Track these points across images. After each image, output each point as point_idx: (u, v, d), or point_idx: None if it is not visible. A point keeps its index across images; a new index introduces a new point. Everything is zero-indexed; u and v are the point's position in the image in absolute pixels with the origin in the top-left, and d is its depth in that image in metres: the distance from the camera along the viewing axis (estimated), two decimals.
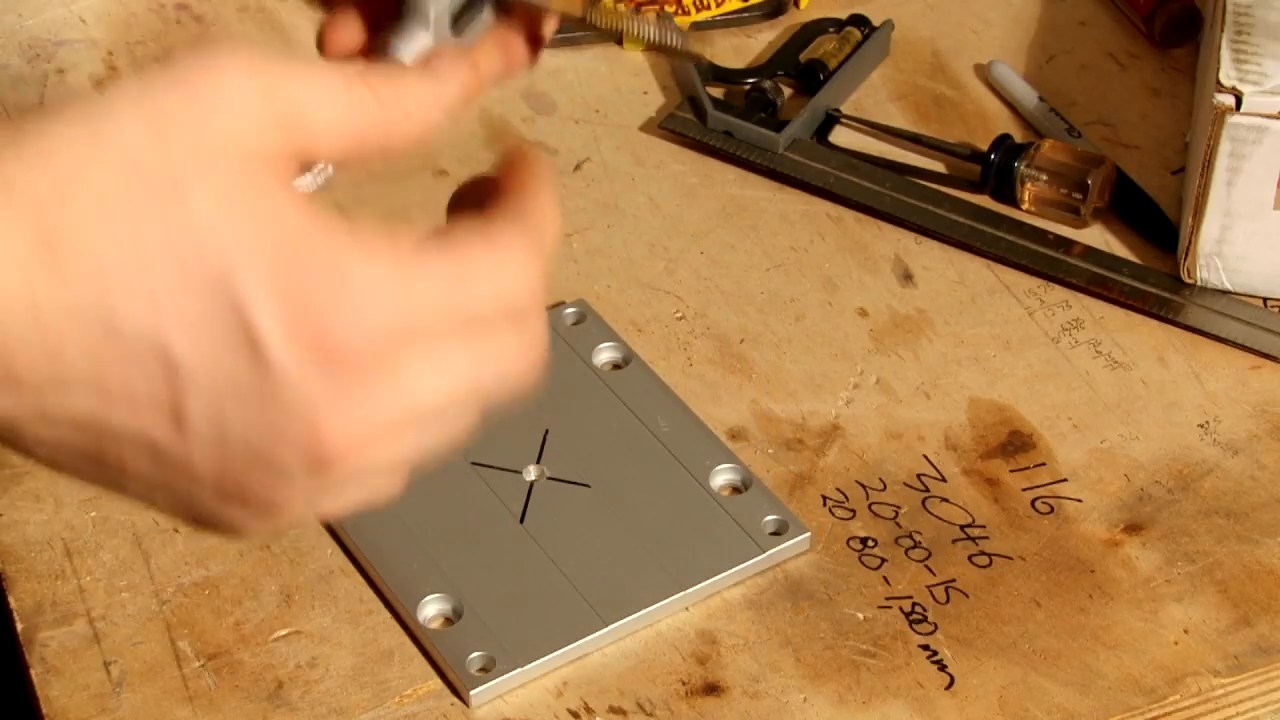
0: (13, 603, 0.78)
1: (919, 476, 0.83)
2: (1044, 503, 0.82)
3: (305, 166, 0.55)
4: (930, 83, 1.02)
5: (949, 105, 1.00)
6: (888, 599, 0.79)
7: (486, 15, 0.60)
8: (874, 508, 0.82)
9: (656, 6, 1.03)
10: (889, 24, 1.03)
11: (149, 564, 0.79)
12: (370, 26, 0.60)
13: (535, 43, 0.62)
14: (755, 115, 0.98)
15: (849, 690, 0.75)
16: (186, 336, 0.49)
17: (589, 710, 0.75)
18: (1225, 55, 0.87)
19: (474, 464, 0.82)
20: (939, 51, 1.03)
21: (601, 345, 0.87)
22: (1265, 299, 0.90)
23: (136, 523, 0.81)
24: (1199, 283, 0.90)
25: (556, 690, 0.76)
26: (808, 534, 0.80)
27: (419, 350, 0.52)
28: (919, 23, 1.05)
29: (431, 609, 0.77)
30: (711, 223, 0.94)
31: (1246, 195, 0.87)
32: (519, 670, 0.75)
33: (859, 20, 1.03)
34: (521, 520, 0.80)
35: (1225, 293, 0.90)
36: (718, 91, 1.00)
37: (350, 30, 0.60)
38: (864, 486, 0.83)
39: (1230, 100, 0.86)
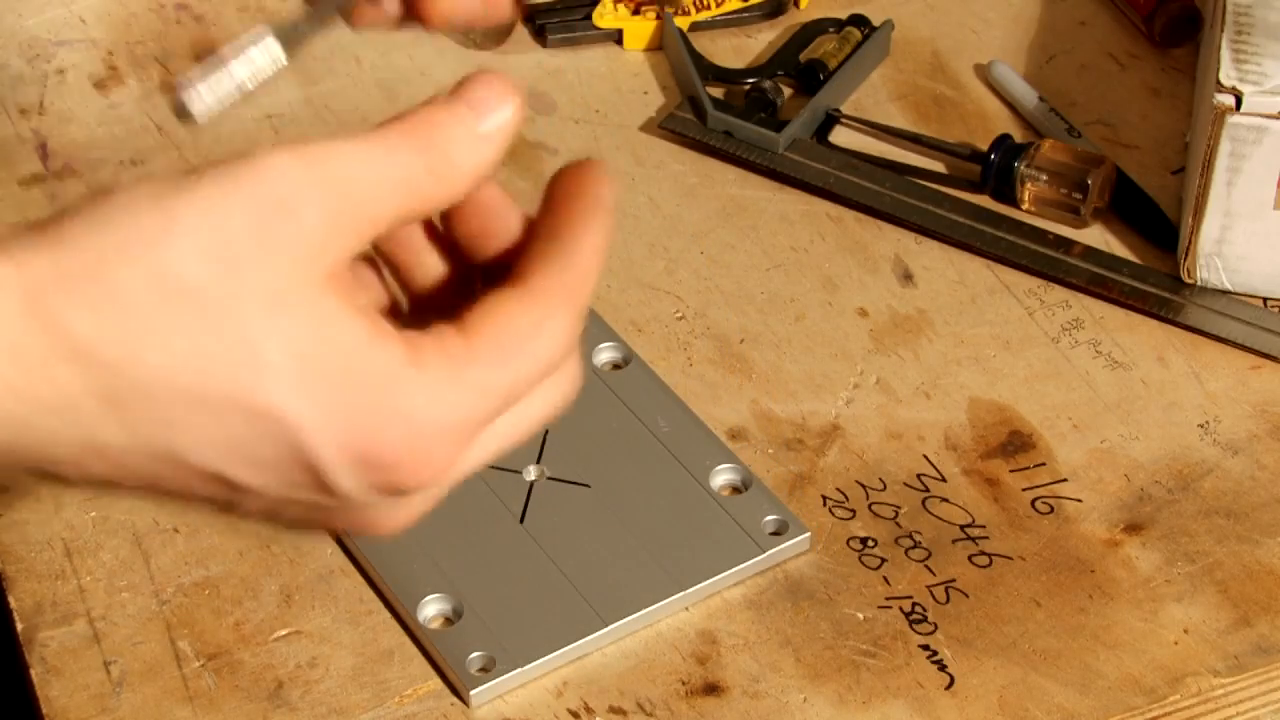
0: (13, 603, 0.78)
1: (919, 476, 0.83)
2: (1044, 503, 0.82)
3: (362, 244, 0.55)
4: (930, 83, 1.02)
5: (949, 105, 1.00)
6: (888, 599, 0.79)
7: None
8: (874, 508, 0.82)
9: (656, 6, 1.03)
10: (889, 24, 1.03)
11: (149, 564, 0.79)
12: None
13: None
14: (755, 115, 0.98)
15: (849, 690, 0.75)
16: (252, 473, 0.52)
17: (589, 710, 0.75)
18: (1225, 55, 0.87)
19: None
20: (939, 51, 1.03)
21: (601, 345, 0.87)
22: (1265, 299, 0.90)
23: (136, 523, 0.81)
24: (1199, 283, 0.90)
25: (556, 690, 0.76)
26: (808, 534, 0.80)
27: (471, 440, 0.54)
28: (919, 23, 1.05)
29: (431, 609, 0.77)
30: (711, 223, 0.94)
31: (1246, 195, 0.87)
32: (519, 670, 0.75)
33: (859, 20, 1.03)
34: (521, 520, 0.80)
35: (1225, 293, 0.90)
36: (718, 91, 1.00)
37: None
38: (864, 486, 0.83)
39: (1230, 100, 0.86)
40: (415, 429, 0.52)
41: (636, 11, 1.03)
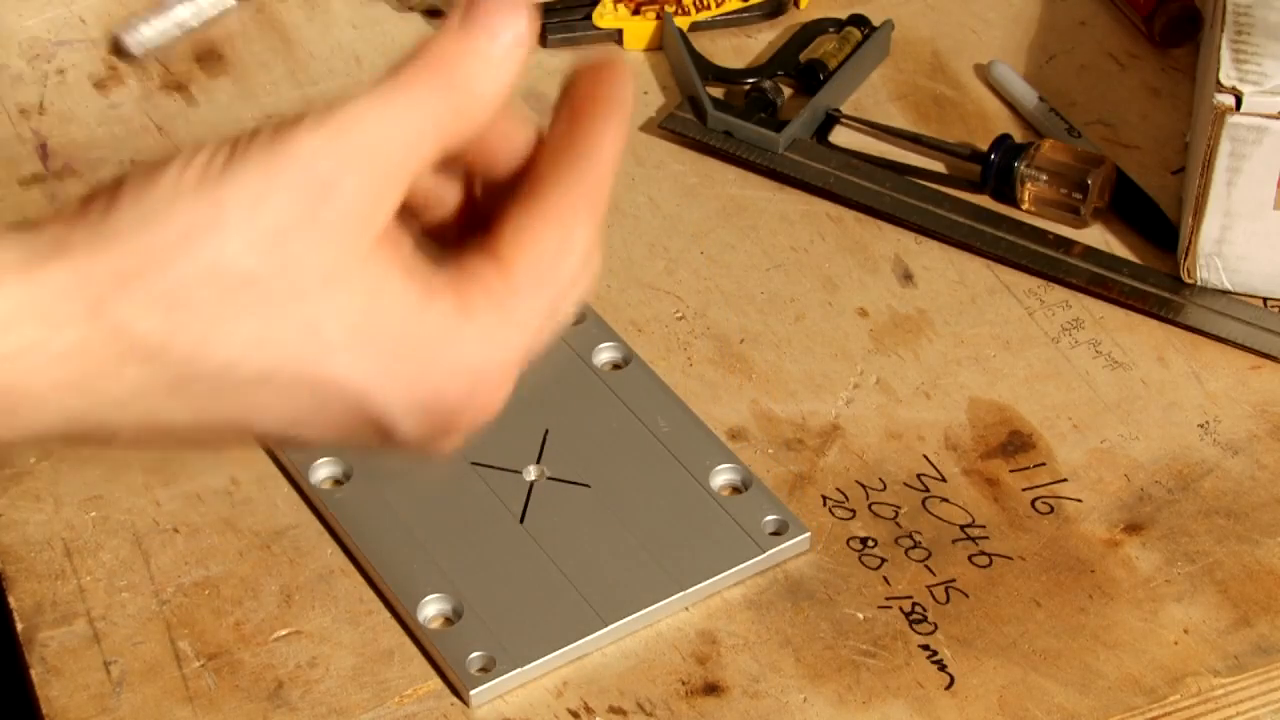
0: (13, 603, 0.78)
1: (919, 476, 0.83)
2: (1044, 503, 0.82)
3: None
4: (930, 83, 1.02)
5: (949, 105, 1.00)
6: (888, 599, 0.79)
7: None
8: (874, 508, 0.82)
9: (656, 6, 1.03)
10: (889, 24, 1.03)
11: (149, 564, 0.79)
12: None
13: None
14: (755, 115, 0.98)
15: (849, 690, 0.75)
16: (318, 432, 0.55)
17: (589, 710, 0.75)
18: (1225, 55, 0.87)
19: (474, 464, 0.82)
20: (939, 51, 1.03)
21: (601, 345, 0.87)
22: (1265, 299, 0.90)
23: (136, 523, 0.81)
24: (1199, 283, 0.90)
25: (556, 690, 0.76)
26: (808, 534, 0.80)
27: (523, 363, 0.56)
28: (919, 23, 1.05)
29: (431, 609, 0.77)
30: (711, 223, 0.94)
31: (1246, 195, 0.87)
32: (519, 670, 0.75)
33: (859, 20, 1.03)
34: (521, 520, 0.80)
35: (1225, 293, 0.90)
36: (718, 91, 1.00)
37: None
38: (864, 486, 0.83)
39: (1230, 100, 0.86)
40: (475, 375, 0.54)
41: (636, 11, 1.03)
